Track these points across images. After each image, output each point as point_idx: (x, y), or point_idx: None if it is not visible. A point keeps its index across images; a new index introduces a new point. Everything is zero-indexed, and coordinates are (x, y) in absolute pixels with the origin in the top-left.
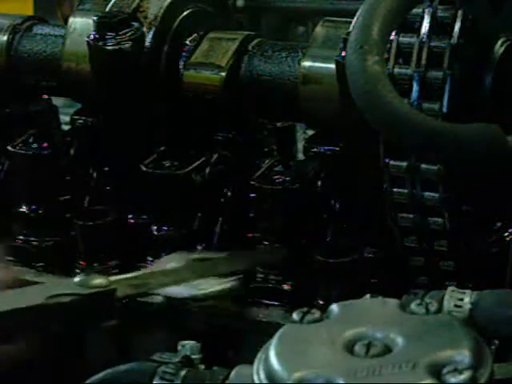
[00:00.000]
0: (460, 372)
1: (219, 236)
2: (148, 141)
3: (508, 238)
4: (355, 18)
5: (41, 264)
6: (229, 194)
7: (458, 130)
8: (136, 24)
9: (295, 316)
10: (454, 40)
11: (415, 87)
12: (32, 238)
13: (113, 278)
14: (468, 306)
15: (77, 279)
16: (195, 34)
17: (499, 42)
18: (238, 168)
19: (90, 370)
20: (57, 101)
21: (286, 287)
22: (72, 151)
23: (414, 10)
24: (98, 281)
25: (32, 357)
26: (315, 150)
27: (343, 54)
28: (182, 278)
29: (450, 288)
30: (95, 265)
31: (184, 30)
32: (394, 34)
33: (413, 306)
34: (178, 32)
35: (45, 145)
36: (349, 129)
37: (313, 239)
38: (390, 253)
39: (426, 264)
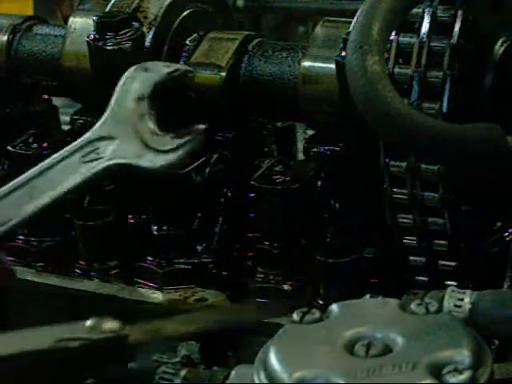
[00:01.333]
0: (460, 372)
1: (219, 236)
2: None
3: (508, 238)
4: (355, 18)
5: (41, 264)
6: (229, 193)
7: (458, 130)
8: (136, 24)
9: (295, 316)
10: (454, 40)
11: (415, 87)
12: (32, 238)
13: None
14: (468, 306)
15: (88, 323)
16: (195, 34)
17: (499, 42)
18: (238, 168)
19: None
20: (57, 101)
21: (286, 287)
22: None
23: (414, 10)
24: (110, 325)
25: None
26: (315, 149)
27: (343, 53)
28: (198, 327)
29: (450, 288)
30: (95, 265)
31: (184, 29)
32: (394, 34)
33: (413, 306)
34: (178, 32)
35: (45, 145)
36: (349, 129)
37: (313, 239)
38: (390, 253)
39: (425, 264)
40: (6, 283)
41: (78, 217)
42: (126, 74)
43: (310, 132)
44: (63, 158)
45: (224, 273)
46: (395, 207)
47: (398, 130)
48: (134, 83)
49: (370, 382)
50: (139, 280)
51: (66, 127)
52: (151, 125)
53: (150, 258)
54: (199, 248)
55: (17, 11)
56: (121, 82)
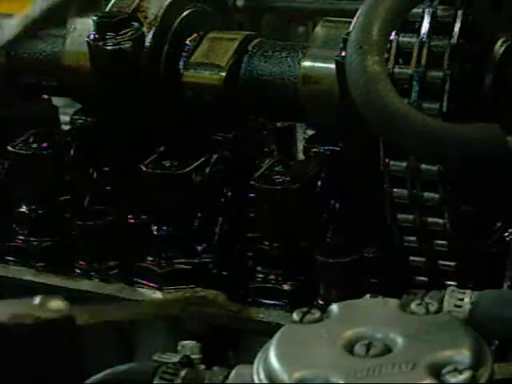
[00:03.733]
0: (460, 372)
1: (219, 236)
2: (148, 141)
3: (508, 238)
4: (355, 18)
5: (41, 264)
6: (229, 194)
7: (459, 130)
8: (136, 24)
9: (295, 316)
10: (454, 40)
11: (415, 87)
12: (32, 238)
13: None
14: (468, 306)
15: (36, 300)
16: (195, 34)
17: (499, 42)
18: (238, 168)
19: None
20: (57, 101)
21: (286, 287)
22: (72, 151)
23: (414, 10)
24: (57, 304)
25: None
26: (315, 149)
27: (343, 53)
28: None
29: (450, 288)
30: (95, 264)
31: (184, 29)
32: (394, 34)
33: (413, 306)
34: (178, 32)
35: (45, 145)
36: (349, 129)
37: (313, 239)
38: (390, 253)
39: (425, 264)
40: None
41: (78, 217)
42: None
43: (310, 132)
44: None
45: (224, 273)
46: (395, 207)
47: (398, 130)
48: None
49: (370, 381)
50: (139, 280)
51: (66, 127)
52: None
53: (150, 258)
54: (199, 248)
55: (17, 11)
56: None
